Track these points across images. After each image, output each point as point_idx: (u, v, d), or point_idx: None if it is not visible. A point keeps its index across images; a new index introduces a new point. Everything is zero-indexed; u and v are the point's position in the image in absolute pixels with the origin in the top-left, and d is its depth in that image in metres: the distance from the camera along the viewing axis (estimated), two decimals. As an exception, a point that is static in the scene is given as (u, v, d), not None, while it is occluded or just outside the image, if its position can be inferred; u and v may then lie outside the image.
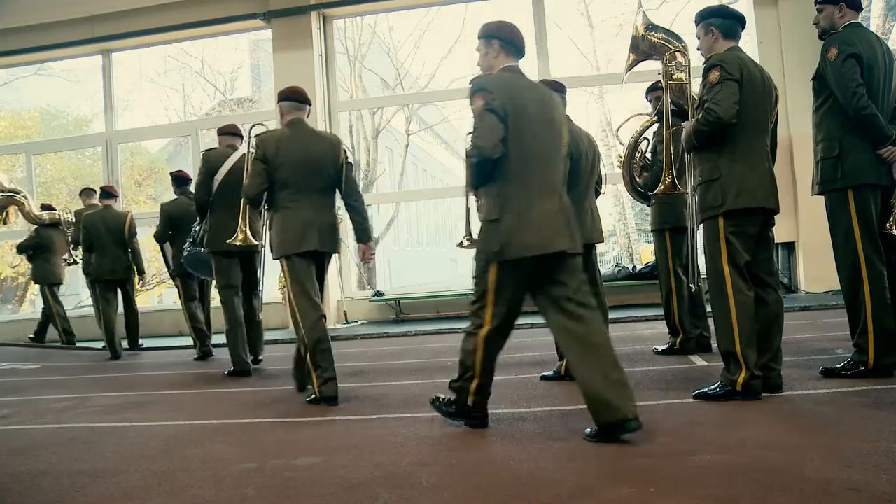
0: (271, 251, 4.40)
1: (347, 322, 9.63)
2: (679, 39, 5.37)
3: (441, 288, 11.00)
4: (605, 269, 10.40)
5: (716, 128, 3.44)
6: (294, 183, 4.25)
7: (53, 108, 17.87)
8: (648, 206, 5.34)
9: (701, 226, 3.66)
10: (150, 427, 3.78)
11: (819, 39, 3.91)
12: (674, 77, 4.94)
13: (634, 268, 9.66)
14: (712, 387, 3.49)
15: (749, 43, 9.67)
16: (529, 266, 3.05)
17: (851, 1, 3.80)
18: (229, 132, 5.99)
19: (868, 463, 2.27)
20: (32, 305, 16.24)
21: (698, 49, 3.92)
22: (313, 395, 4.10)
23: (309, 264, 4.27)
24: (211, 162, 5.68)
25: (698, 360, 4.64)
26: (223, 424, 3.71)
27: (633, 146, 5.42)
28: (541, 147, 3.11)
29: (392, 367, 5.59)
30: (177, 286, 7.30)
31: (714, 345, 5.01)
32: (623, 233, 20.13)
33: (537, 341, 6.32)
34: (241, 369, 5.54)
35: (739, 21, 3.75)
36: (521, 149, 3.05)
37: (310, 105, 4.59)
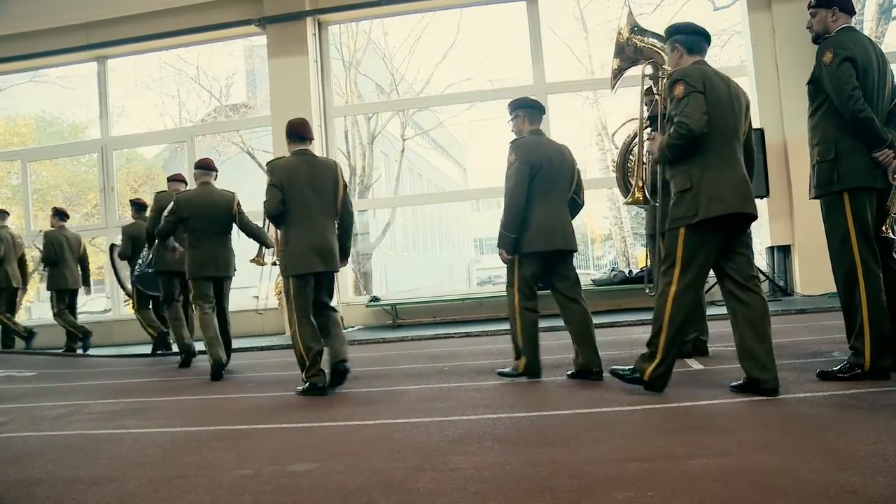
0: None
1: (344, 327, 9.62)
2: (664, 40, 5.32)
3: (437, 293, 11.02)
4: (601, 272, 10.42)
5: (688, 140, 3.57)
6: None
7: (49, 114, 17.85)
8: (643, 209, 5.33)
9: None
10: (147, 434, 3.77)
11: (813, 43, 3.93)
12: (664, 82, 4.89)
13: (630, 271, 9.66)
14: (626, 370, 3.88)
15: (744, 46, 9.71)
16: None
17: (844, 4, 3.82)
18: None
19: (865, 466, 2.27)
20: (28, 313, 16.20)
21: (667, 66, 4.22)
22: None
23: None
24: (160, 202, 6.80)
25: (695, 364, 4.64)
26: (220, 431, 3.70)
27: (626, 150, 5.44)
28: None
29: (388, 373, 5.58)
30: (130, 296, 8.44)
31: (710, 347, 5.05)
32: (619, 237, 20.15)
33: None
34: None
35: (703, 36, 3.87)
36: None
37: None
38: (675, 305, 3.62)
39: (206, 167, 6.50)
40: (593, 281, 9.59)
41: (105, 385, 6.16)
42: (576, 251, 4.76)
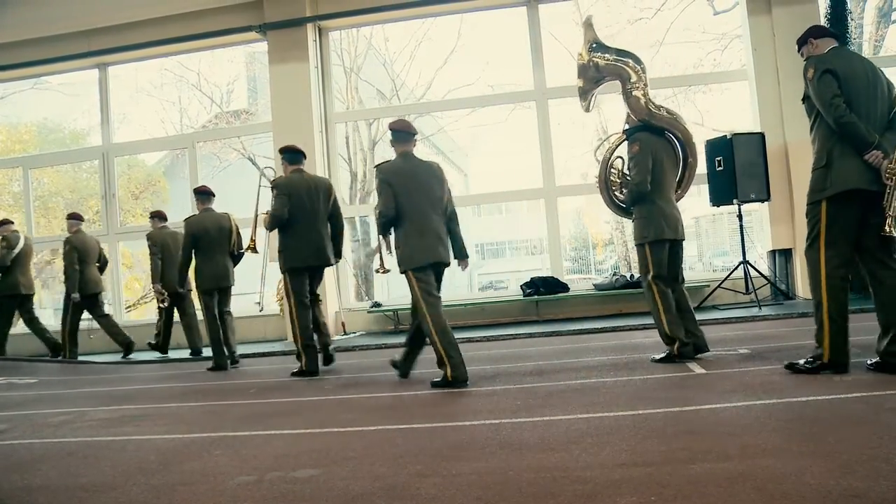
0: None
1: (345, 333, 9.62)
2: (631, 56, 5.61)
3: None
4: (602, 277, 10.41)
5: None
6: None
7: (50, 121, 17.86)
8: (631, 220, 5.42)
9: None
10: (149, 440, 3.76)
11: None
12: (633, 95, 5.41)
13: (632, 276, 9.66)
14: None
15: (744, 50, 9.73)
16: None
17: (815, 33, 4.27)
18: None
19: (868, 469, 2.26)
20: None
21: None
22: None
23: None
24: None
25: (696, 368, 4.63)
26: (221, 437, 3.69)
27: (606, 164, 5.63)
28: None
29: (390, 378, 5.57)
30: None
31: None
32: (620, 241, 20.14)
33: (536, 351, 6.33)
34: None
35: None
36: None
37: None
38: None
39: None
40: (595, 285, 9.59)
41: (106, 392, 6.16)
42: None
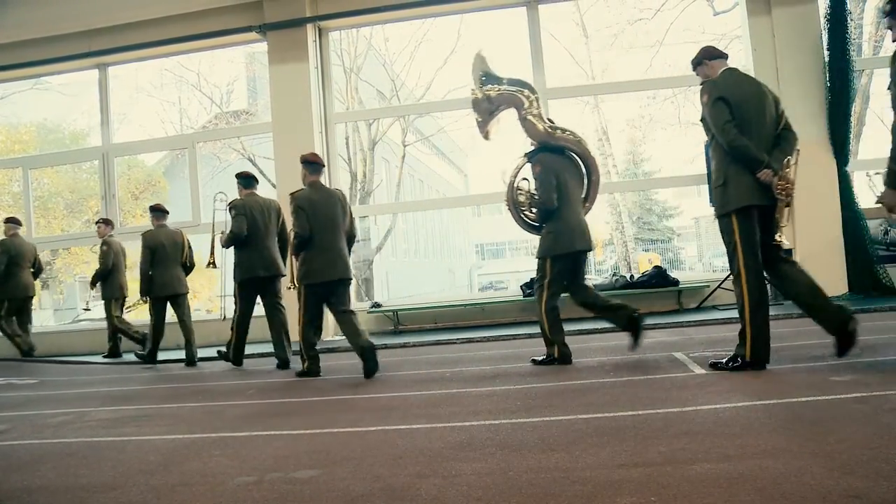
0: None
1: (345, 333, 9.62)
2: (524, 85, 6.00)
3: (439, 299, 11.01)
4: (602, 277, 10.41)
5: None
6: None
7: (50, 122, 17.89)
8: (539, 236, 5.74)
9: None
10: (149, 441, 3.76)
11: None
12: (528, 120, 5.77)
13: (632, 276, 9.67)
14: None
15: (743, 51, 9.73)
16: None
17: (710, 55, 4.70)
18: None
19: (869, 470, 2.27)
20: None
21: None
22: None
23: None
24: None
25: (696, 369, 4.64)
26: (221, 438, 3.69)
27: (512, 186, 5.93)
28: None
29: (390, 379, 5.58)
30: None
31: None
32: (620, 242, 20.16)
33: (534, 352, 6.32)
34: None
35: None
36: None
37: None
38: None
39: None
40: (595, 286, 9.58)
41: (107, 392, 6.16)
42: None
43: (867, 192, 9.47)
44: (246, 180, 7.17)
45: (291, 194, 6.02)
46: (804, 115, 8.94)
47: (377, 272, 17.18)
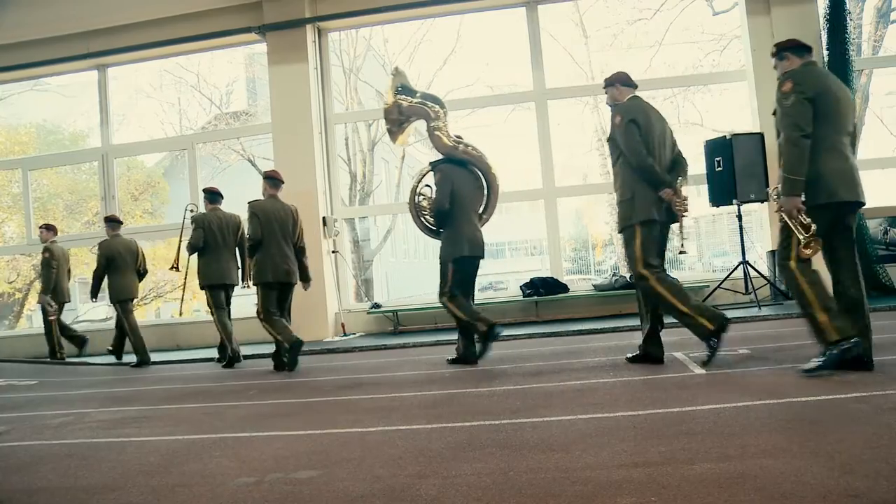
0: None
1: (345, 334, 9.62)
2: (435, 100, 6.48)
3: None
4: (602, 278, 10.41)
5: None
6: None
7: (49, 123, 17.87)
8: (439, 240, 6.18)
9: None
10: (149, 442, 3.76)
11: (610, 107, 5.13)
12: (434, 134, 6.26)
13: (632, 277, 9.66)
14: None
15: (743, 51, 9.74)
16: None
17: (625, 82, 5.08)
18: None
19: (868, 469, 2.27)
20: (29, 321, 16.19)
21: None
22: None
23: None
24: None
25: (696, 369, 4.64)
26: (221, 438, 3.69)
27: (414, 192, 6.42)
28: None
29: (390, 379, 5.58)
30: None
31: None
32: (620, 242, 20.15)
33: (534, 352, 6.33)
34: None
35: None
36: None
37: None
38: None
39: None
40: (595, 286, 9.58)
41: (106, 393, 6.16)
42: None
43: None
44: (212, 196, 7.78)
45: (249, 203, 6.76)
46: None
47: (377, 273, 17.17)
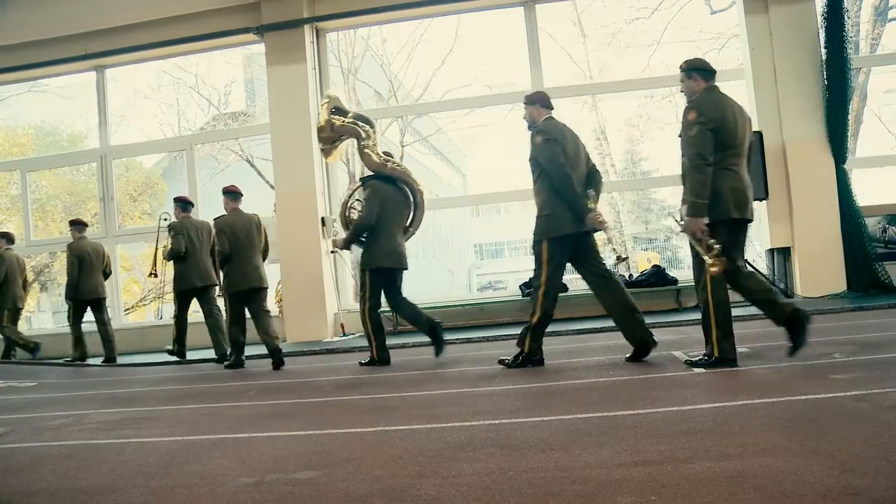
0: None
1: (344, 334, 9.62)
2: (366, 120, 6.94)
3: (438, 299, 10.98)
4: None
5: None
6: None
7: (48, 124, 17.86)
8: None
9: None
10: (149, 443, 3.76)
11: (529, 129, 5.41)
12: (365, 152, 6.73)
13: (631, 276, 9.67)
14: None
15: (741, 49, 9.74)
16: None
17: (544, 103, 5.39)
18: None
19: (868, 467, 2.27)
20: (28, 323, 16.17)
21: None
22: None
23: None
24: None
25: (696, 368, 4.63)
26: (221, 439, 3.69)
27: (345, 205, 7.08)
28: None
29: (390, 380, 5.58)
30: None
31: None
32: (619, 241, 20.15)
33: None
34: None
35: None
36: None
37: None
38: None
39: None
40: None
41: (106, 394, 6.16)
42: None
43: (859, 189, 9.46)
44: (184, 204, 8.26)
45: (214, 219, 7.31)
46: (802, 113, 8.95)
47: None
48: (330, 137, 6.96)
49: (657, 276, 9.27)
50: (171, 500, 2.62)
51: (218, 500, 2.56)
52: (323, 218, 9.88)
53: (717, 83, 4.66)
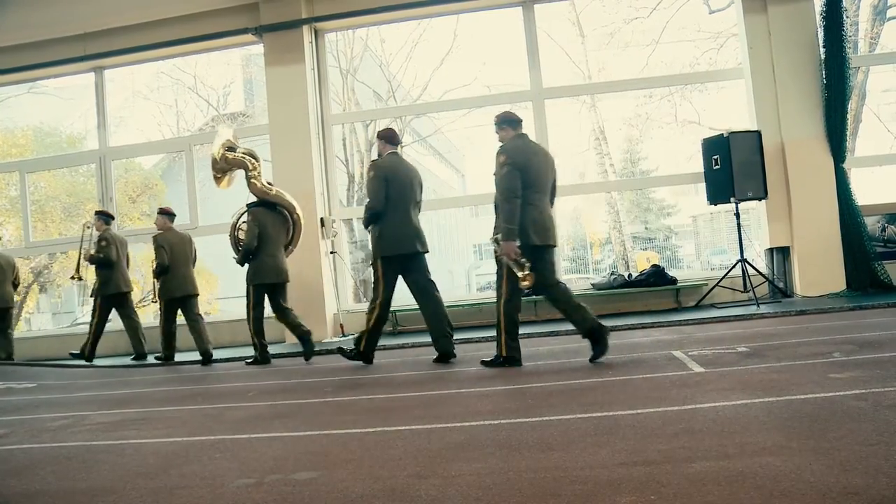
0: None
1: (344, 335, 9.61)
2: (252, 155, 8.08)
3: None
4: (600, 276, 10.42)
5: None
6: None
7: (47, 125, 17.85)
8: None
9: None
10: (148, 444, 3.76)
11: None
12: (251, 182, 7.81)
13: (630, 275, 9.67)
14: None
15: (740, 49, 9.74)
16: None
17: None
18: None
19: (868, 466, 2.27)
20: (28, 324, 16.18)
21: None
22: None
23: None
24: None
25: (695, 367, 4.64)
26: (221, 440, 3.69)
27: (234, 227, 8.09)
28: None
29: (389, 380, 5.58)
30: None
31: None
32: (618, 241, 20.15)
33: (533, 351, 6.33)
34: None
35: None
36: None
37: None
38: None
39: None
40: (593, 285, 9.59)
41: (105, 395, 6.15)
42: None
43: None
44: (105, 217, 9.19)
45: (154, 237, 8.49)
46: (801, 112, 8.95)
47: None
48: (222, 168, 8.11)
49: (656, 276, 9.27)
50: (170, 501, 2.62)
51: (218, 501, 2.55)
52: (322, 218, 9.88)
53: (524, 132, 5.60)
